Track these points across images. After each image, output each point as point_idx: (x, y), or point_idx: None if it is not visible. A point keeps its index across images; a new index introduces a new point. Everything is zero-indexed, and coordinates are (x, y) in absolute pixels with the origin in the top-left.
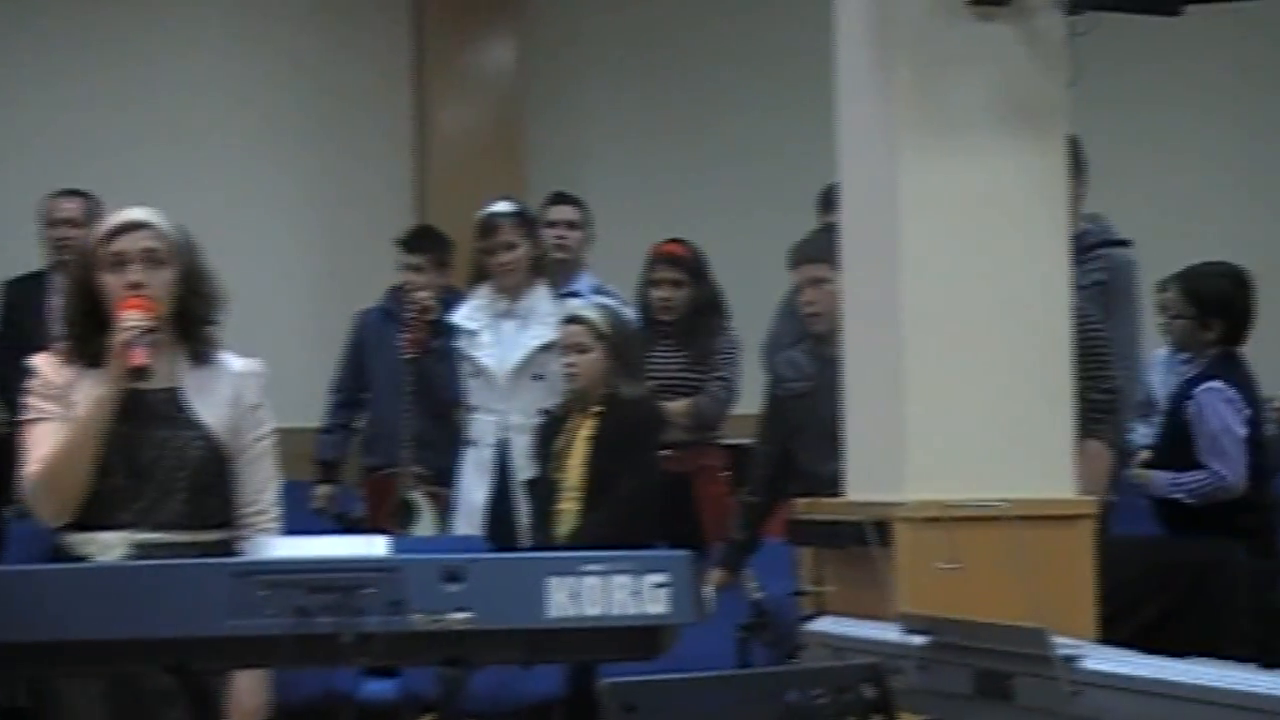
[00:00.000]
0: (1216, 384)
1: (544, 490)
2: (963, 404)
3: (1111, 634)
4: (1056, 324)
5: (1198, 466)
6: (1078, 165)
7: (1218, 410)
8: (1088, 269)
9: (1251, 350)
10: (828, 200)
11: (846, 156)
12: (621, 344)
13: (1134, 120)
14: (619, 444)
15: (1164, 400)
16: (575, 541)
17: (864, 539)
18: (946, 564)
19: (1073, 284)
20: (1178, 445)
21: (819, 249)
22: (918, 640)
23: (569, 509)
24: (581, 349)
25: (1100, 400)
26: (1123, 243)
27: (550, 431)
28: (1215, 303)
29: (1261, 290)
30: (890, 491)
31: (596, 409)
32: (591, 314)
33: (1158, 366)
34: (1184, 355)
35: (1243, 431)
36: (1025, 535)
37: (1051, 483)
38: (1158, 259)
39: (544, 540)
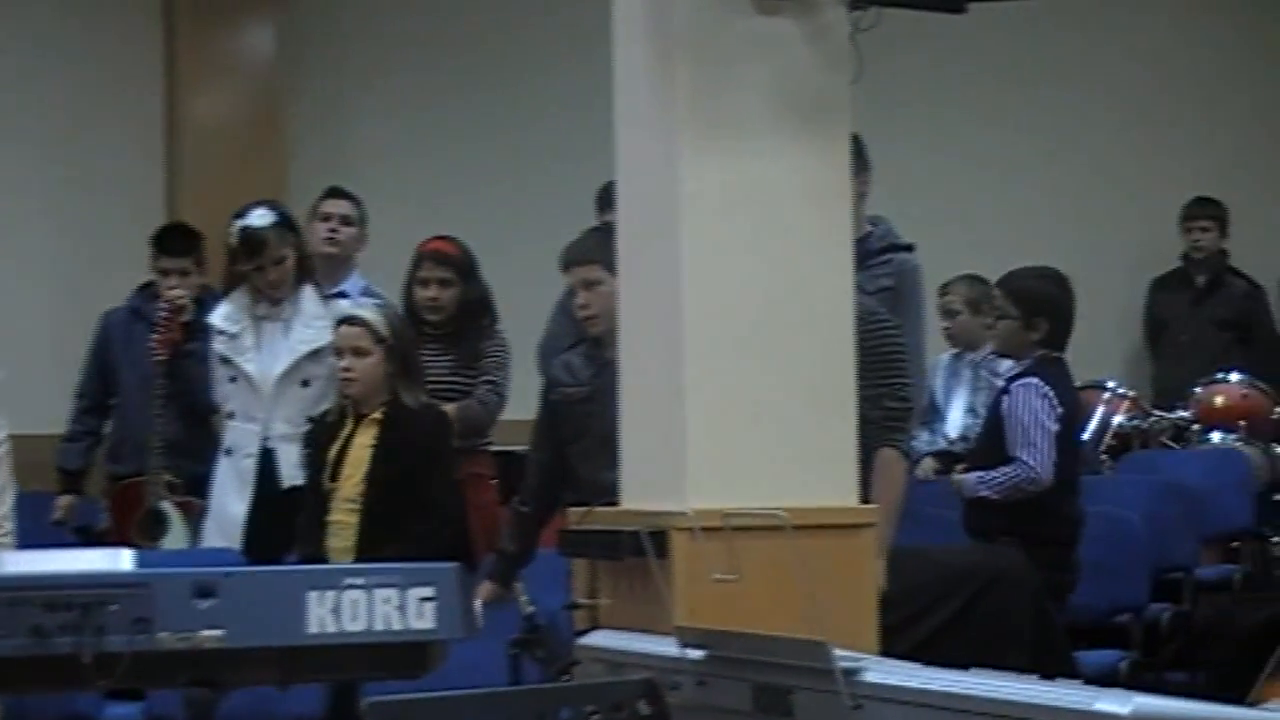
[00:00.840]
0: (1034, 380)
1: (315, 500)
2: (744, 410)
3: (895, 645)
4: (840, 328)
5: (1008, 462)
6: (860, 164)
7: (1030, 403)
8: (875, 274)
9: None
10: (606, 198)
11: (624, 154)
12: (402, 347)
13: (912, 120)
14: (406, 456)
15: (950, 403)
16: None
17: (640, 550)
18: (725, 575)
19: (857, 288)
20: (993, 444)
21: (593, 249)
22: (695, 654)
23: (346, 520)
24: (359, 352)
25: (895, 408)
26: (908, 247)
27: (322, 438)
28: (1040, 304)
29: None
30: (668, 500)
31: (377, 416)
32: (370, 315)
33: (940, 372)
34: (1006, 359)
35: (1054, 427)
36: (806, 545)
37: (834, 491)
38: (934, 262)
39: (314, 553)
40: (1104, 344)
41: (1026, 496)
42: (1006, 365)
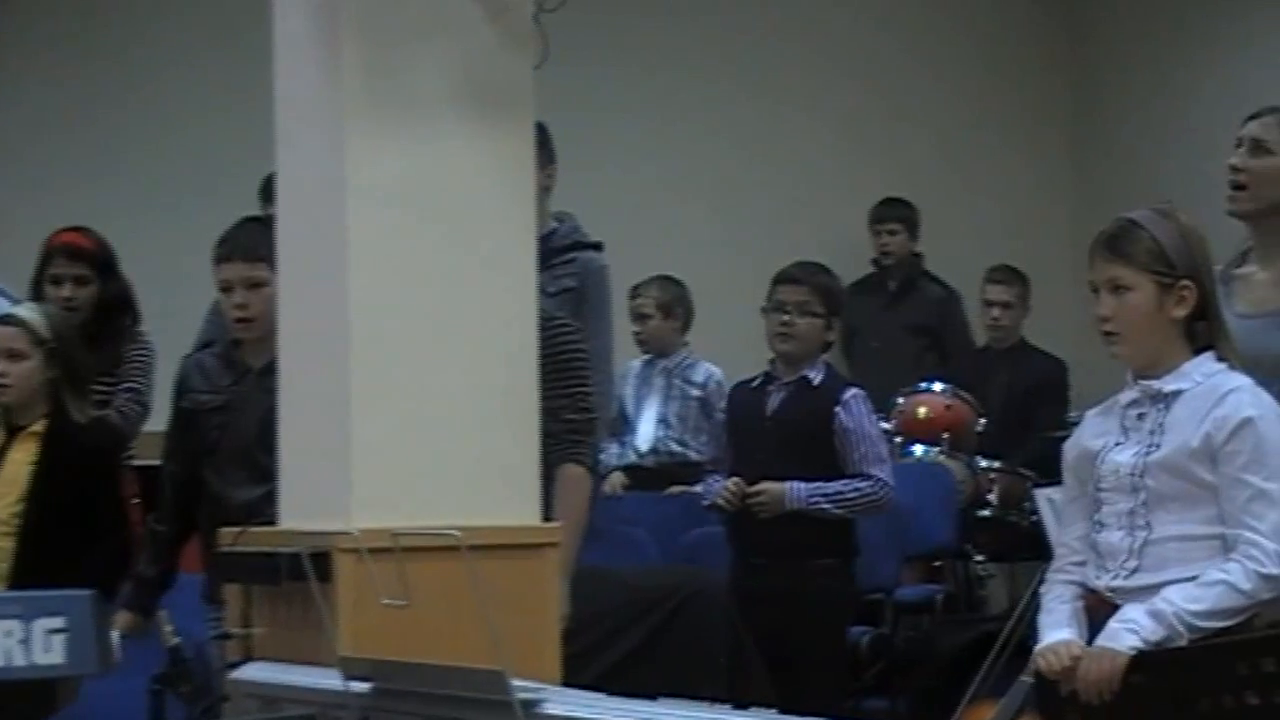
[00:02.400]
0: (859, 390)
1: None
2: (417, 420)
3: (581, 674)
4: (522, 333)
5: (836, 477)
6: (545, 156)
7: (870, 414)
8: (558, 274)
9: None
10: (270, 190)
11: (285, 141)
12: (66, 352)
13: (599, 111)
14: (72, 474)
15: (641, 414)
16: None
17: (300, 573)
18: (395, 600)
19: (539, 289)
20: (803, 455)
21: (258, 243)
22: (360, 687)
23: (0, 546)
24: (14, 355)
25: (578, 420)
26: (595, 245)
27: None
28: (838, 304)
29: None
30: (331, 519)
31: (36, 429)
32: (28, 315)
33: (630, 380)
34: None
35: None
36: (484, 567)
37: (514, 509)
38: (624, 263)
39: None
40: None
41: (870, 515)
42: (704, 372)
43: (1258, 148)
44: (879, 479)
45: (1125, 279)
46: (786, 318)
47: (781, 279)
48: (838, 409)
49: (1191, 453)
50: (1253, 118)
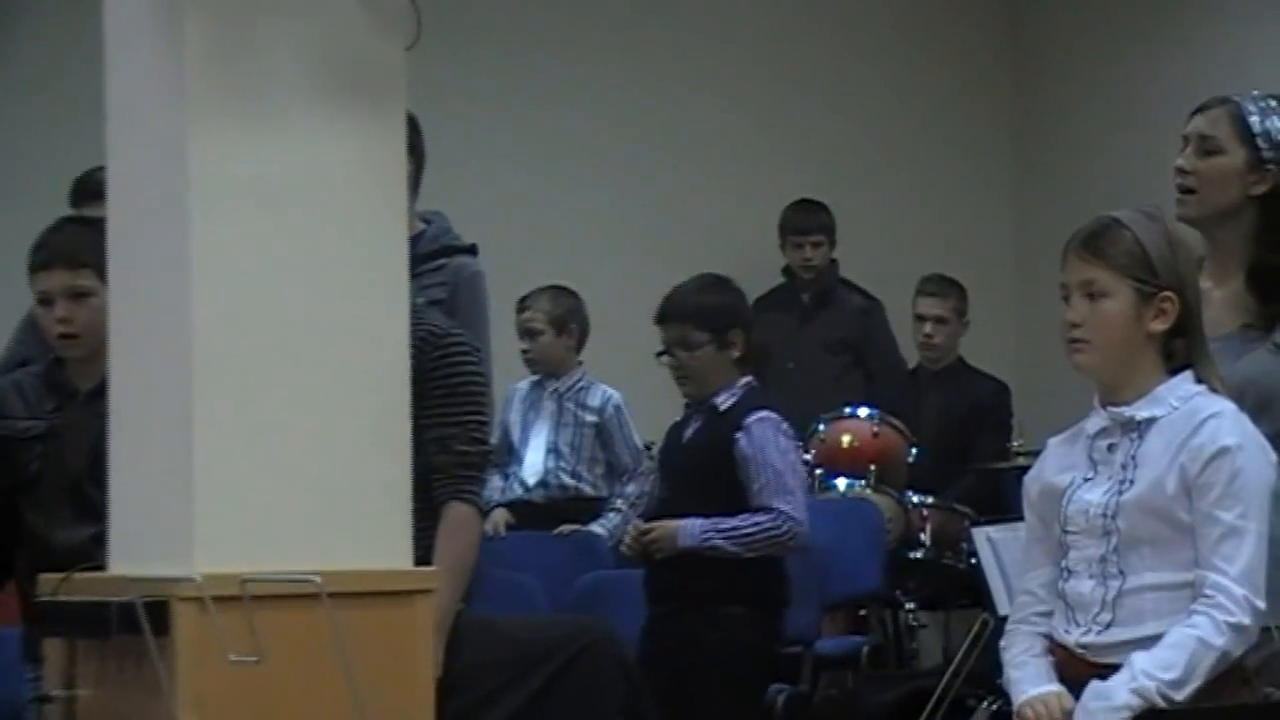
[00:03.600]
0: (769, 414)
1: None
2: (270, 450)
3: None
4: (393, 351)
5: (738, 512)
6: (414, 150)
7: (778, 443)
8: (424, 282)
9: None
10: (83, 191)
11: (119, 132)
12: None
13: (477, 101)
14: None
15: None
16: None
17: (134, 625)
18: (244, 656)
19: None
20: (703, 488)
21: (82, 248)
22: None
23: None
24: None
25: (470, 453)
26: (468, 249)
27: None
28: (727, 314)
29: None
30: (171, 563)
31: None
32: None
33: (516, 404)
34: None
35: (802, 472)
36: (347, 617)
37: (382, 552)
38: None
39: None
40: None
41: (781, 554)
42: (601, 396)
43: (1205, 146)
44: (781, 512)
45: (1101, 283)
46: (673, 360)
47: (657, 320)
48: (738, 435)
49: (1167, 489)
50: (1199, 111)
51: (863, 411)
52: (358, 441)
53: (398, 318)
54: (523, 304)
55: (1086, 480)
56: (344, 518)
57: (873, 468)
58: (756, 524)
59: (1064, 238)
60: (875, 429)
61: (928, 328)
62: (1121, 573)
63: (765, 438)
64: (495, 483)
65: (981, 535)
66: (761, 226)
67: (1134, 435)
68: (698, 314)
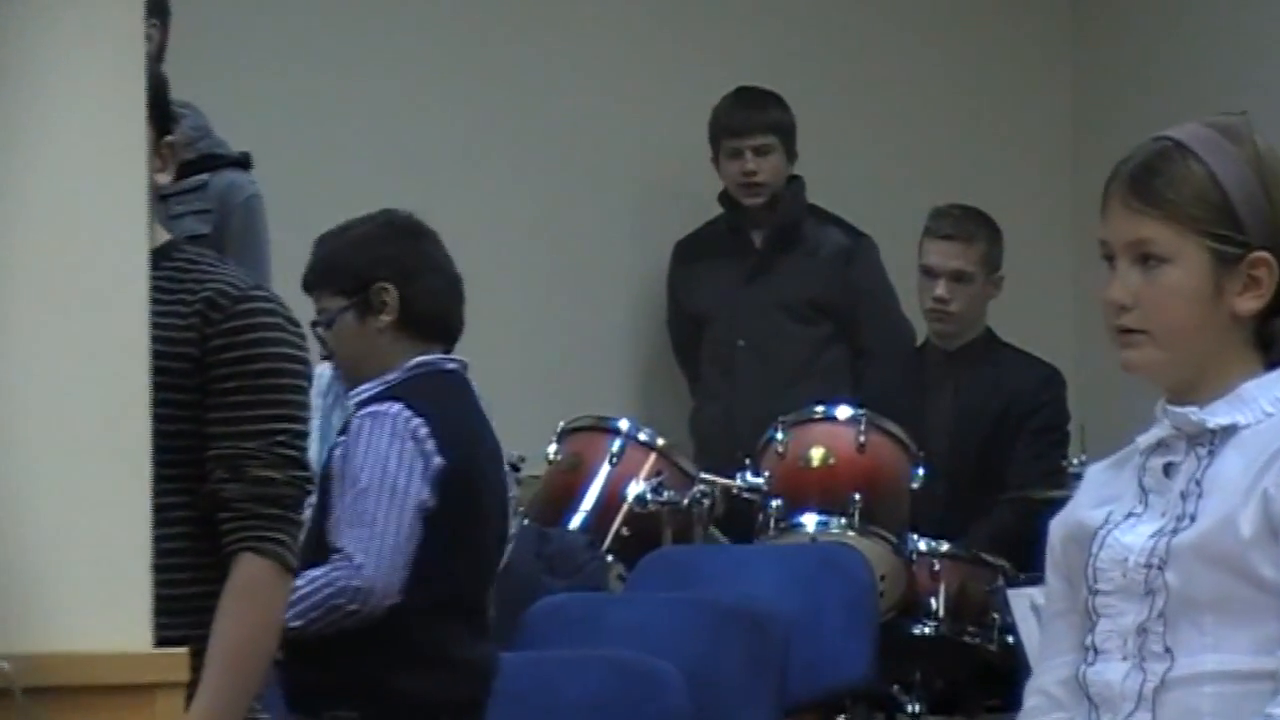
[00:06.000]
0: (393, 407)
1: None
2: None
3: None
4: (126, 325)
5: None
6: (157, 6)
7: (378, 448)
8: (175, 208)
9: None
10: None
11: None
12: None
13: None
14: None
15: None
16: None
17: None
18: None
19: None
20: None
21: None
22: None
23: None
24: None
25: (274, 480)
26: (239, 161)
27: None
28: (373, 266)
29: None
30: None
31: None
32: None
33: (316, 399)
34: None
35: (419, 493)
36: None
37: (108, 626)
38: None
39: None
40: (598, 356)
41: (355, 624)
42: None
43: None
44: (343, 557)
45: (1161, 243)
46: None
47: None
48: (338, 441)
49: (1242, 529)
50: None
51: (843, 411)
52: (71, 469)
53: (138, 307)
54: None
55: (1130, 516)
56: (48, 578)
57: (858, 497)
58: (312, 580)
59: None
60: (862, 438)
61: (940, 287)
62: (1169, 651)
63: (366, 441)
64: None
65: (1022, 600)
66: (697, 140)
67: (1204, 450)
68: (329, 271)
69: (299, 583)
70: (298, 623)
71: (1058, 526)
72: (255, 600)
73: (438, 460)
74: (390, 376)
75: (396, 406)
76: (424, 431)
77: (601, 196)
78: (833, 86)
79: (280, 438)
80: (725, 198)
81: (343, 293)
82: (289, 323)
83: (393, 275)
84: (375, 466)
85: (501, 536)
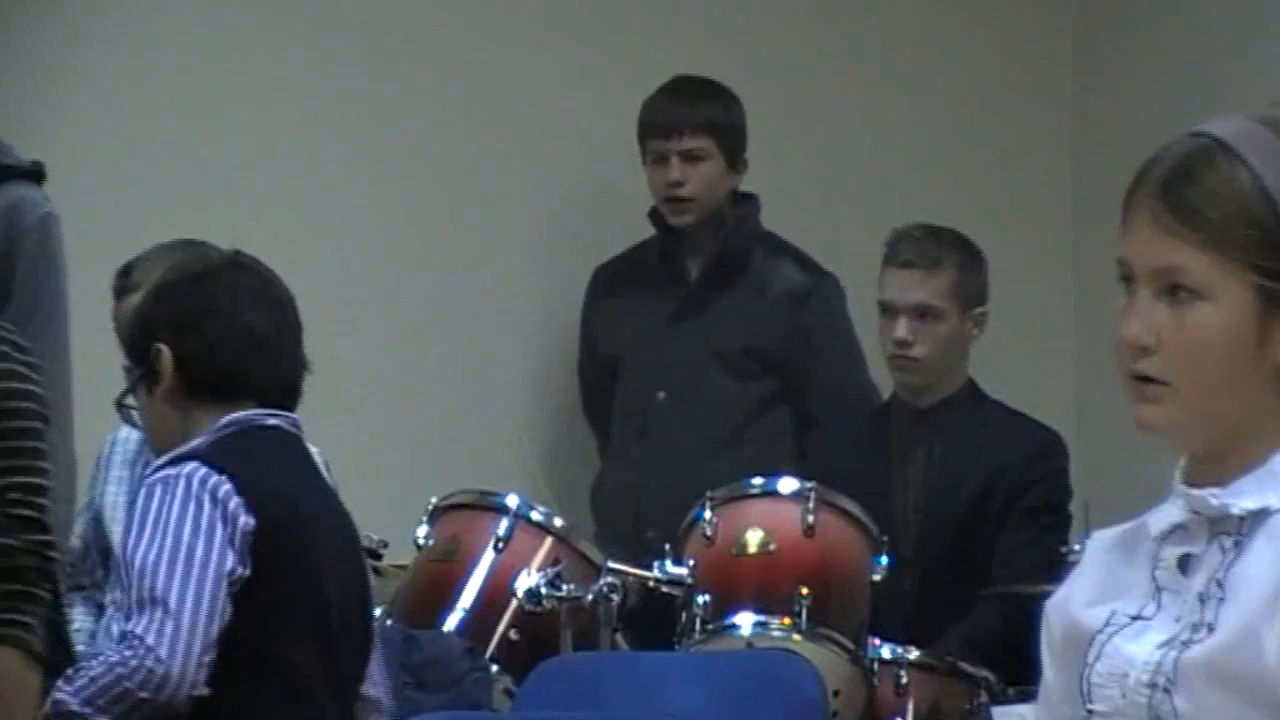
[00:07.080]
0: (188, 468)
1: None
2: None
3: None
4: None
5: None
6: None
7: (167, 516)
8: None
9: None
10: None
11: None
12: None
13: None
14: None
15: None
16: None
17: None
18: None
19: None
20: None
21: None
22: None
23: None
24: None
25: (13, 549)
26: (31, 173)
27: None
28: (161, 321)
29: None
30: None
31: None
32: None
33: (115, 466)
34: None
35: (216, 569)
36: None
37: None
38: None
39: None
40: (486, 414)
41: (146, 714)
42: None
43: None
44: (134, 638)
45: (1197, 273)
46: None
47: None
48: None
49: (1266, 646)
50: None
51: (786, 485)
52: None
53: None
54: (125, 273)
55: (1138, 620)
56: None
57: (804, 592)
58: (103, 660)
59: None
60: (810, 518)
61: (900, 327)
62: None
63: (155, 510)
64: (79, 615)
65: (1009, 718)
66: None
67: (1229, 541)
68: (130, 329)
69: (91, 664)
70: (85, 710)
71: (1054, 611)
72: (16, 691)
73: (246, 520)
74: (195, 442)
75: (191, 465)
76: (226, 489)
77: (502, 212)
78: (794, 84)
79: (12, 494)
80: (657, 216)
81: (133, 361)
82: (15, 349)
83: (167, 333)
84: (165, 536)
85: (362, 609)
